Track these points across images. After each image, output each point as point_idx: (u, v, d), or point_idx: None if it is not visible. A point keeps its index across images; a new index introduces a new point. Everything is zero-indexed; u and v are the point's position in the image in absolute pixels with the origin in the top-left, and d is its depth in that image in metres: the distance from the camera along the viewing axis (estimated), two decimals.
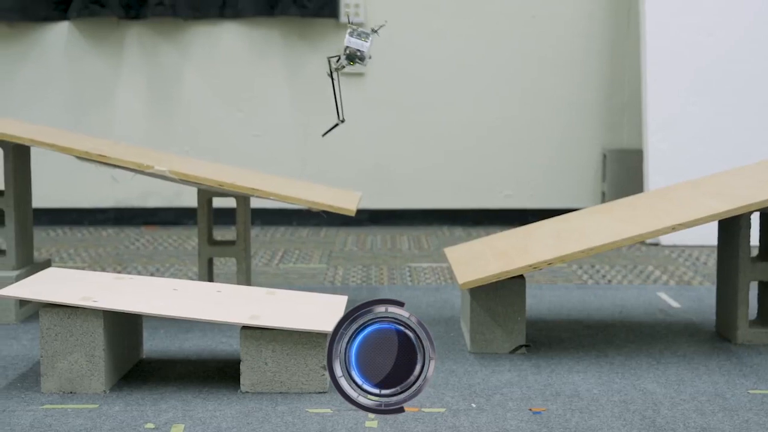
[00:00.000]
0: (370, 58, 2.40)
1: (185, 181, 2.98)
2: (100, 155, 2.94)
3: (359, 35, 2.42)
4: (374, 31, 2.44)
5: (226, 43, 5.05)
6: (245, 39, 5.05)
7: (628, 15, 5.01)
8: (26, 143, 2.98)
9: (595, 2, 5.04)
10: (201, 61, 5.06)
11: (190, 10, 4.97)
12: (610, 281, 3.78)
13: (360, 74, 5.06)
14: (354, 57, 2.41)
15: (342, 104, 2.45)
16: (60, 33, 5.03)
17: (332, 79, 2.36)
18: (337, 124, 2.43)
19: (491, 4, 5.04)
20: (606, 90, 5.08)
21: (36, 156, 3.34)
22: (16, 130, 3.05)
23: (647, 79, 4.63)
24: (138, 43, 5.05)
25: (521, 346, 2.74)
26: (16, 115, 4.87)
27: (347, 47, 2.39)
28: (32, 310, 3.13)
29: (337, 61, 2.38)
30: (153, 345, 2.80)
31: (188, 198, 4.96)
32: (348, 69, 2.41)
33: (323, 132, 2.42)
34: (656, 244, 4.56)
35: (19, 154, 3.13)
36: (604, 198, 5.04)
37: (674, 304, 3.35)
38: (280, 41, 5.05)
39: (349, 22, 2.45)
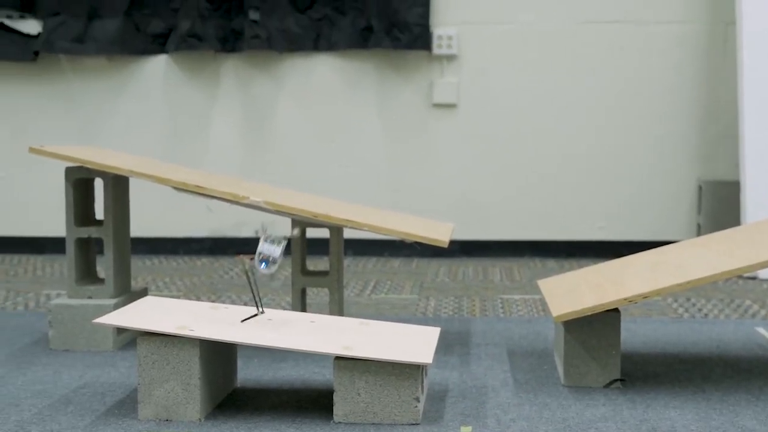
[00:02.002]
0: (279, 262, 2.54)
1: (280, 211, 3.01)
2: (197, 186, 2.98)
3: (272, 241, 2.56)
4: (287, 239, 2.58)
5: (320, 75, 5.11)
6: (339, 71, 5.10)
7: (724, 44, 4.95)
8: (125, 174, 3.03)
9: (688, 32, 4.98)
10: (295, 93, 5.12)
11: (285, 43, 5.04)
12: (706, 315, 3.72)
13: (452, 106, 5.07)
14: (267, 261, 2.56)
15: (260, 298, 2.61)
16: (158, 66, 5.13)
17: (247, 277, 2.55)
18: (255, 314, 2.56)
19: (580, 35, 5.02)
20: (701, 120, 5.02)
21: (133, 186, 3.40)
22: (116, 161, 3.11)
23: (744, 109, 4.56)
24: (234, 75, 5.12)
25: (616, 380, 2.70)
26: (115, 145, 4.98)
27: (260, 252, 2.55)
28: (129, 338, 3.18)
29: (251, 260, 2.54)
30: (247, 374, 2.83)
31: (281, 228, 5.00)
32: (262, 270, 2.55)
33: (242, 319, 2.56)
34: (754, 278, 4.47)
35: (118, 185, 3.19)
36: (699, 230, 4.96)
37: None
38: (373, 73, 5.09)
39: (262, 231, 2.58)
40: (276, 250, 2.54)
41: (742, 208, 4.56)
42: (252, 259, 2.55)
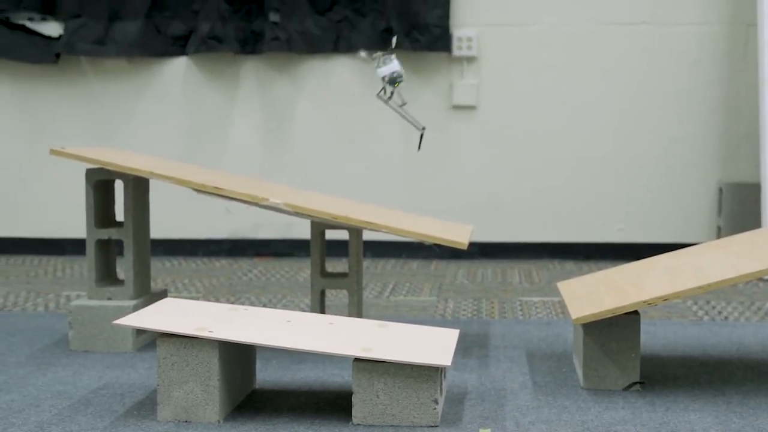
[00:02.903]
0: (402, 71, 2.49)
1: (299, 213, 3.01)
2: (217, 188, 2.99)
3: (383, 62, 2.51)
4: (392, 50, 2.53)
5: (339, 77, 5.11)
6: (358, 73, 5.10)
7: (745, 45, 4.93)
8: (145, 176, 3.04)
9: (709, 33, 4.96)
10: (314, 95, 5.13)
11: (305, 44, 5.04)
12: (726, 318, 3.70)
13: (472, 107, 5.07)
14: (394, 80, 2.51)
15: (410, 116, 2.52)
16: (178, 68, 5.15)
17: (390, 106, 2.44)
18: (421, 134, 2.49)
19: (601, 37, 5.01)
20: (722, 122, 5.00)
21: (153, 187, 3.41)
22: (136, 163, 3.12)
23: (765, 111, 4.53)
24: (253, 77, 5.13)
25: (635, 383, 2.69)
26: (135, 147, 5.00)
27: (383, 77, 2.49)
28: (149, 339, 3.19)
29: (383, 91, 2.49)
30: (266, 375, 2.83)
31: (300, 230, 5.02)
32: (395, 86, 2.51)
33: (418, 147, 2.50)
34: None
35: (138, 186, 3.21)
36: (719, 233, 4.95)
37: None
38: None
39: (368, 56, 2.55)
40: (393, 66, 2.51)
41: (763, 211, 4.54)
42: (383, 90, 2.49)
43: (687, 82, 5.00)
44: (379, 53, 2.50)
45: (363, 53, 2.72)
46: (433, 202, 5.07)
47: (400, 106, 2.58)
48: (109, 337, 3.10)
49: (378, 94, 2.53)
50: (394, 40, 2.68)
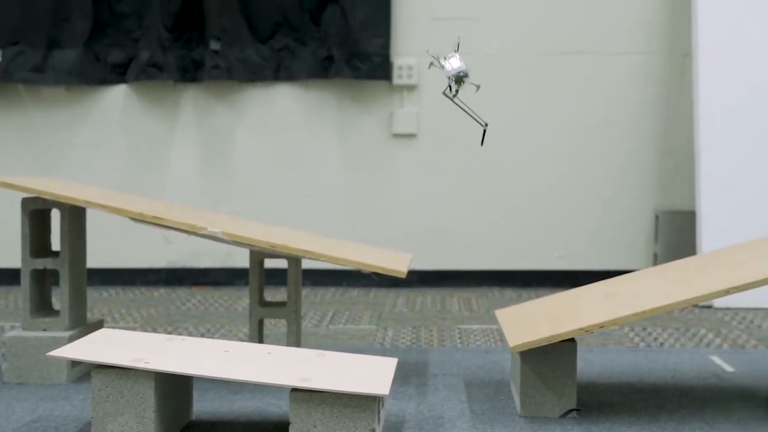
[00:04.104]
0: (467, 70, 2.58)
1: (238, 242, 3.00)
2: (154, 217, 2.98)
3: (449, 61, 2.59)
4: (456, 50, 2.60)
5: (280, 105, 5.11)
6: (299, 101, 5.10)
7: (682, 75, 5.01)
8: (82, 205, 3.02)
9: (647, 63, 5.03)
10: (255, 123, 5.12)
11: (245, 73, 5.04)
12: (662, 344, 3.74)
13: (412, 135, 5.09)
14: (460, 78, 2.58)
15: (474, 112, 2.59)
16: (117, 96, 5.12)
17: (456, 103, 2.61)
18: (485, 130, 2.57)
19: (540, 66, 5.06)
20: (659, 151, 5.06)
21: (90, 216, 3.38)
22: (72, 192, 3.10)
23: (700, 140, 4.61)
24: (194, 105, 5.12)
25: (572, 410, 2.71)
26: (73, 176, 4.96)
27: (449, 76, 2.57)
28: (84, 371, 3.15)
29: (449, 89, 2.57)
30: (203, 406, 2.81)
31: (239, 258, 5.00)
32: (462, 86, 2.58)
33: (481, 142, 2.60)
34: (709, 307, 4.51)
35: (75, 216, 3.18)
36: (656, 260, 5.00)
37: (728, 368, 3.31)
38: (333, 103, 5.10)
39: (434, 57, 2.62)
40: (459, 65, 2.56)
41: (698, 238, 4.61)
42: (449, 88, 2.50)
43: (624, 111, 5.07)
44: (438, 55, 2.60)
45: (429, 53, 2.78)
46: (374, 230, 5.08)
47: (476, 89, 2.66)
48: (43, 369, 3.06)
49: (444, 92, 2.65)
50: (458, 40, 2.77)
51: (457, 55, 2.61)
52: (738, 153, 4.59)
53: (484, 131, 2.59)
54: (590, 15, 5.05)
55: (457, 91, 2.59)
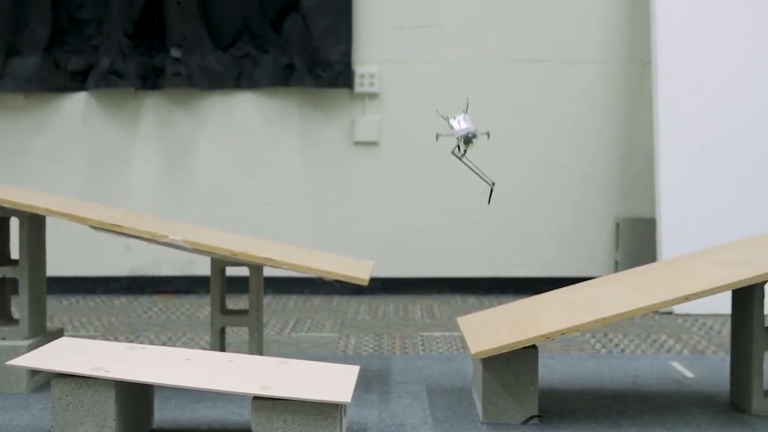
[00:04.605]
0: (474, 129, 2.72)
1: (199, 250, 2.99)
2: (115, 225, 2.96)
3: (458, 121, 2.69)
4: (465, 111, 2.68)
5: (242, 113, 5.10)
6: (260, 109, 5.10)
7: (641, 83, 5.05)
8: (41, 213, 3.00)
9: (607, 71, 5.07)
10: (216, 131, 5.11)
11: (206, 80, 5.03)
12: (623, 350, 3.76)
13: (374, 143, 5.09)
14: (468, 139, 2.65)
15: (482, 172, 2.72)
16: (77, 103, 5.09)
17: (465, 163, 2.74)
18: (492, 189, 2.62)
19: (503, 74, 5.08)
20: (619, 158, 5.10)
21: (50, 225, 3.36)
22: (32, 200, 3.07)
23: (660, 149, 4.65)
24: (154, 113, 5.10)
25: (534, 417, 2.72)
26: (33, 184, 4.92)
27: (458, 137, 2.64)
28: (44, 380, 3.12)
29: (458, 149, 2.64)
30: (164, 415, 2.80)
31: (201, 266, 4.98)
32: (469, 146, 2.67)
33: (488, 201, 2.67)
34: (669, 313, 4.54)
35: (34, 224, 3.15)
36: (617, 267, 5.03)
37: (688, 374, 3.33)
38: (295, 111, 5.10)
39: (444, 116, 2.71)
40: (467, 126, 2.62)
41: (658, 245, 4.64)
42: (457, 148, 2.67)
43: (585, 119, 5.10)
44: (448, 116, 2.68)
45: (439, 112, 2.87)
46: (337, 237, 5.08)
47: (487, 138, 2.73)
48: (2, 378, 3.03)
49: (453, 152, 2.77)
50: (467, 101, 2.84)
51: (466, 115, 2.69)
52: (697, 161, 4.63)
53: (491, 190, 2.68)
54: (552, 24, 5.08)
55: (465, 150, 2.68)
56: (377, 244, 5.09)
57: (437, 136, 2.82)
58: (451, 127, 2.73)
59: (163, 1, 4.99)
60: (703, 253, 3.16)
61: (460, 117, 2.73)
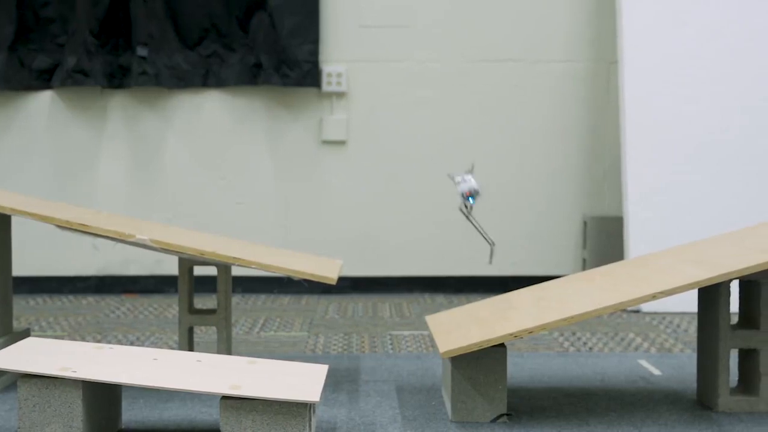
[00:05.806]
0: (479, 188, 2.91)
1: (166, 249, 2.98)
2: (81, 224, 2.94)
3: (463, 179, 2.83)
4: (470, 172, 2.78)
5: (209, 111, 5.08)
6: (228, 108, 5.08)
7: (608, 82, 5.07)
8: (7, 212, 2.97)
9: (574, 70, 5.09)
10: (184, 130, 5.09)
11: (173, 79, 5.00)
12: (591, 349, 3.78)
13: (341, 142, 5.09)
14: (474, 195, 2.90)
15: (485, 232, 2.97)
16: (43, 102, 5.05)
17: (470, 221, 2.89)
18: (492, 249, 2.94)
19: (470, 73, 5.09)
20: (587, 157, 5.12)
21: (16, 224, 3.33)
22: None
23: (627, 147, 4.67)
24: (121, 111, 5.07)
25: (503, 415, 2.73)
26: None
27: (462, 194, 2.90)
28: (10, 380, 3.10)
29: (465, 207, 2.88)
30: (132, 415, 2.78)
31: (169, 266, 4.95)
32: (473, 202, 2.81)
33: (489, 260, 3.11)
34: (637, 311, 4.57)
35: None
36: (584, 265, 5.05)
37: (655, 371, 3.35)
38: (262, 110, 5.08)
39: (450, 177, 2.82)
40: (472, 183, 2.71)
41: (626, 244, 4.66)
42: (465, 205, 2.82)
43: (553, 118, 5.11)
44: (455, 174, 2.80)
45: (449, 175, 3.02)
46: (305, 236, 5.07)
47: (472, 167, 2.86)
48: None
49: (459, 208, 2.94)
50: (473, 163, 2.97)
51: (471, 175, 2.80)
52: (664, 159, 4.65)
53: (492, 250, 2.77)
54: (519, 23, 5.09)
55: (471, 207, 2.79)
56: (346, 243, 5.08)
57: (449, 175, 2.97)
58: (456, 184, 2.85)
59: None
60: (670, 251, 3.18)
61: (466, 176, 2.85)
